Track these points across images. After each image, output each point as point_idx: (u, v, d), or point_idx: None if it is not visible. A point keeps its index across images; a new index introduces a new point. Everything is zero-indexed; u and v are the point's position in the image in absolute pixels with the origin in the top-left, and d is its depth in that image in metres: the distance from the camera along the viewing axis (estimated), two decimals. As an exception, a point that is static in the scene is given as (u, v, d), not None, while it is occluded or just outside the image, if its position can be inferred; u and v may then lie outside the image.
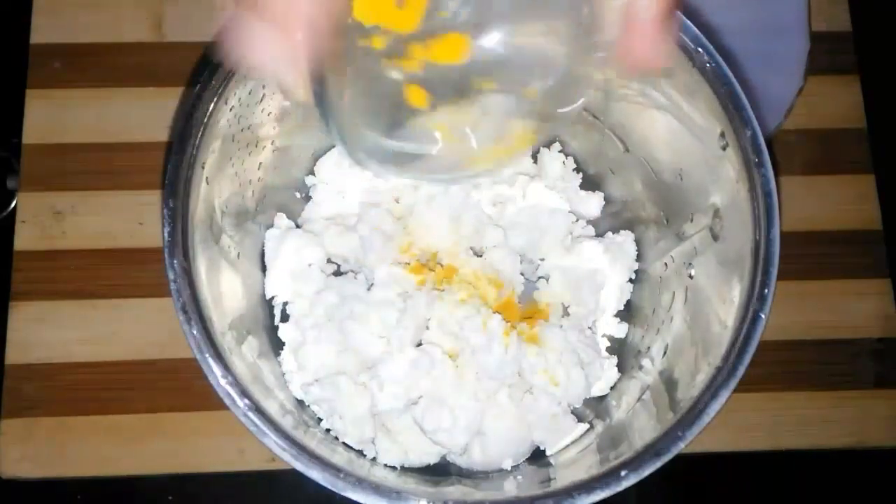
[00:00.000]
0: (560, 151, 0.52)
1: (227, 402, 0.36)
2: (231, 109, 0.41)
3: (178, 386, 0.50)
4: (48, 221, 0.53)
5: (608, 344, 0.50)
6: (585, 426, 0.46)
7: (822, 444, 0.51)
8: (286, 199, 0.51)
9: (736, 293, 0.38)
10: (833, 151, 0.56)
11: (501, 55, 0.26)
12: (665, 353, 0.44)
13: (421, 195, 0.50)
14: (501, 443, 0.45)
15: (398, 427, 0.44)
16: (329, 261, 0.50)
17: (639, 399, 0.44)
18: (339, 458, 0.38)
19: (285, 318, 0.49)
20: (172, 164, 0.38)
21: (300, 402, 0.46)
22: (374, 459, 0.45)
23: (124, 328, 0.51)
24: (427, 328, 0.46)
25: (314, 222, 0.51)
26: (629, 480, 0.35)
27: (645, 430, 0.39)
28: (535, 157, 0.53)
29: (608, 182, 0.52)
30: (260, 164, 0.46)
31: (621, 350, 0.50)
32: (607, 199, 0.52)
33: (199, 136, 0.39)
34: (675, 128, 0.43)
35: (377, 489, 0.35)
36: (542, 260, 0.51)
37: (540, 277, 0.51)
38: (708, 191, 0.42)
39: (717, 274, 0.41)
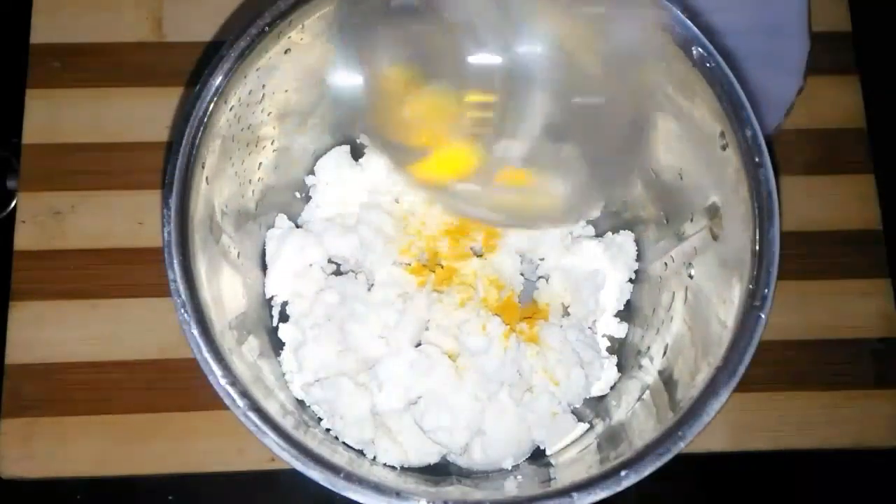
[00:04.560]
0: (560, 151, 0.52)
1: (227, 402, 0.36)
2: (231, 109, 0.41)
3: (178, 386, 0.50)
4: (48, 221, 0.53)
5: (608, 344, 0.50)
6: (585, 426, 0.46)
7: (823, 444, 0.51)
8: (286, 199, 0.51)
9: (736, 293, 0.38)
10: (833, 151, 0.56)
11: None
12: (665, 352, 0.44)
13: (421, 196, 0.49)
14: (501, 442, 0.45)
15: (398, 427, 0.44)
16: (329, 261, 0.50)
17: (639, 399, 0.44)
18: (339, 458, 0.38)
19: (285, 318, 0.49)
20: (172, 164, 0.38)
21: (300, 402, 0.46)
22: (374, 459, 0.45)
23: (124, 328, 0.51)
24: (427, 329, 0.46)
25: (314, 222, 0.51)
26: (629, 480, 0.35)
27: (645, 430, 0.39)
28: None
29: (608, 182, 0.52)
30: (260, 164, 0.46)
31: (621, 350, 0.50)
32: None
33: (199, 136, 0.39)
34: (675, 128, 0.43)
35: (377, 489, 0.35)
36: (542, 260, 0.51)
37: (540, 277, 0.51)
38: (708, 191, 0.42)
39: (717, 274, 0.41)
